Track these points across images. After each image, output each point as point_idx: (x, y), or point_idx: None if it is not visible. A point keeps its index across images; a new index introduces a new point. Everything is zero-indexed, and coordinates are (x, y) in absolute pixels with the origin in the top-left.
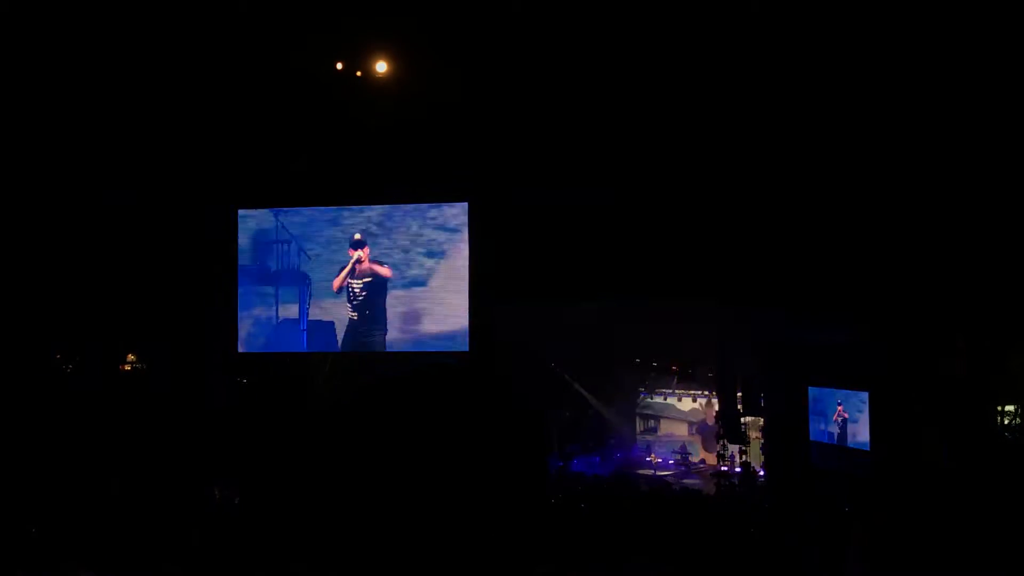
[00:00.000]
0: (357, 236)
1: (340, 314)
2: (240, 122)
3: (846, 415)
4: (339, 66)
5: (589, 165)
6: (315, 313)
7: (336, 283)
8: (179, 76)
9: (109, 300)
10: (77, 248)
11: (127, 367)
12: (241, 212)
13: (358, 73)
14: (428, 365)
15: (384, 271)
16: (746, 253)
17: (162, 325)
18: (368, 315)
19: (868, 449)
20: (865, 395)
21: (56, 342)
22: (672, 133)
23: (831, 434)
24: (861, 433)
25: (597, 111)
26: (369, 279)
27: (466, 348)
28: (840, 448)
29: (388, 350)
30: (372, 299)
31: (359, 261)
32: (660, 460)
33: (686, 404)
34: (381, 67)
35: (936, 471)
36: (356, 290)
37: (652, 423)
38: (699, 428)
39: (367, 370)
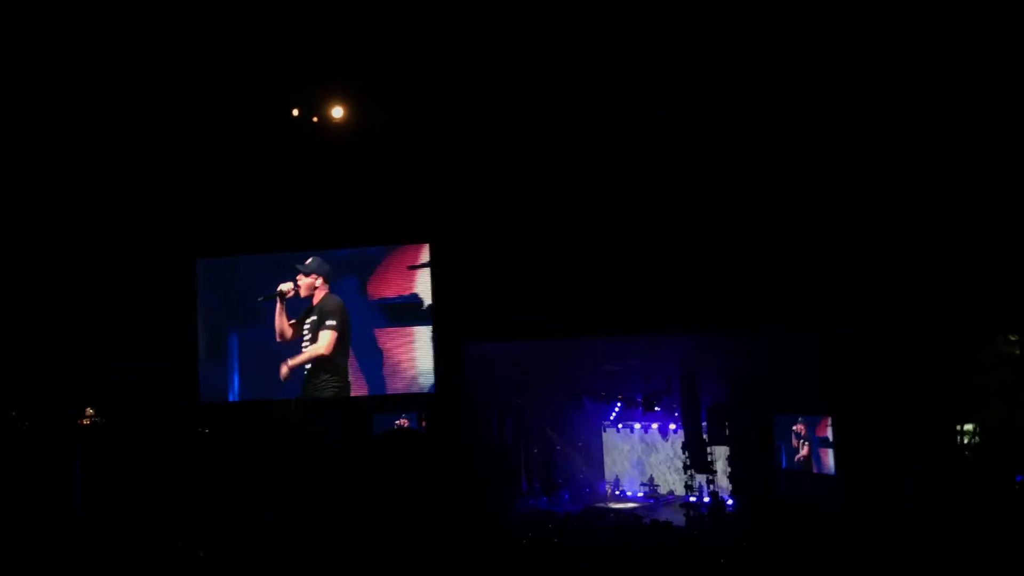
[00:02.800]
0: (303, 265)
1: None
2: (197, 171)
3: (802, 428)
4: (295, 112)
5: (550, 201)
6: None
7: (278, 327)
8: (134, 126)
9: (66, 353)
10: (34, 300)
11: (86, 421)
12: (200, 262)
13: (314, 119)
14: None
15: (330, 303)
16: (711, 282)
17: (122, 377)
18: (324, 364)
19: (834, 475)
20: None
21: (11, 398)
22: (636, 164)
23: (795, 460)
24: (826, 461)
25: (557, 147)
26: (314, 317)
27: (431, 389)
28: (806, 474)
29: (352, 394)
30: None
31: (288, 293)
32: (630, 493)
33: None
34: (337, 112)
35: (901, 493)
36: (305, 334)
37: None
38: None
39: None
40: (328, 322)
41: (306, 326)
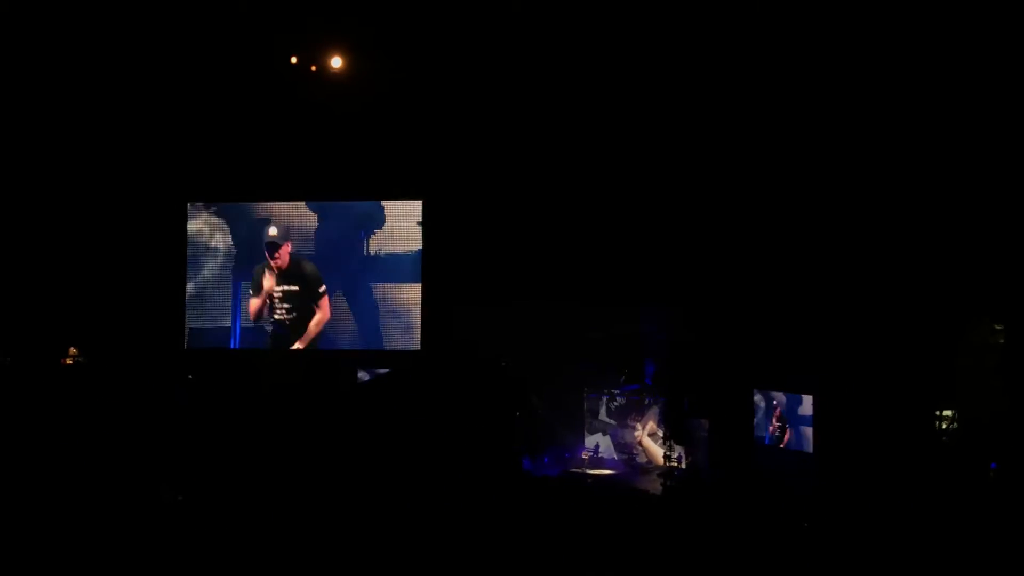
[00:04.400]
0: (272, 232)
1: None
2: (191, 115)
3: (778, 413)
4: (293, 60)
5: (544, 166)
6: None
7: (253, 309)
8: (129, 68)
9: (53, 295)
10: (18, 239)
11: (69, 361)
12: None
13: (312, 68)
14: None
15: (309, 268)
16: (694, 256)
17: (107, 320)
18: (298, 326)
19: (811, 453)
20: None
21: None
22: (625, 135)
23: (774, 438)
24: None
25: (551, 111)
26: (296, 288)
27: (418, 347)
28: (783, 451)
29: (341, 348)
30: (301, 314)
31: (276, 266)
32: (607, 460)
33: None
34: (336, 62)
35: (879, 475)
36: (281, 305)
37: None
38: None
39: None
40: (321, 289)
41: (285, 294)
